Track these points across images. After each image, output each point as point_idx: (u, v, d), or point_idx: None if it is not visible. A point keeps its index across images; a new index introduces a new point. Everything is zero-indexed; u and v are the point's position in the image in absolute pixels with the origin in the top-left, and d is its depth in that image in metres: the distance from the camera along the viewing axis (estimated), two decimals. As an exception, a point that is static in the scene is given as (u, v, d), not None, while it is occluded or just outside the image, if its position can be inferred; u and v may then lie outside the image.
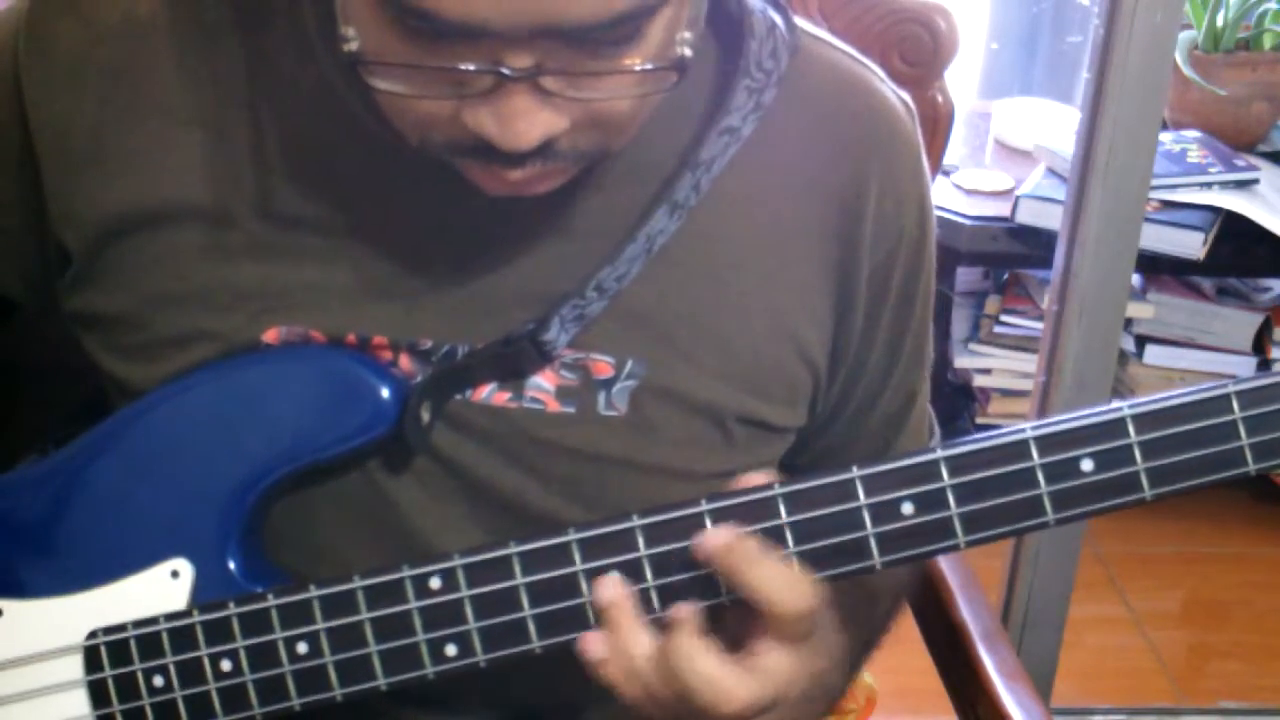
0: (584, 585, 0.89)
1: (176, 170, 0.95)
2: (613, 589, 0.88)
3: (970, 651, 1.29)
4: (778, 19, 0.98)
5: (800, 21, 1.01)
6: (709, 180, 0.96)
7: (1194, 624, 2.75)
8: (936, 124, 1.33)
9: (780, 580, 0.86)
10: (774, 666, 0.88)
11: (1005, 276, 2.91)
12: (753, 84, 0.96)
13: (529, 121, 0.80)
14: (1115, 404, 0.86)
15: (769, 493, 0.87)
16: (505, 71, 0.78)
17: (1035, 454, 0.86)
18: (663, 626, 0.88)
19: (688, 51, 0.83)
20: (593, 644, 0.88)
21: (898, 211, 1.02)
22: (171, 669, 0.94)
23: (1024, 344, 2.81)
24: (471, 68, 0.79)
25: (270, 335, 0.96)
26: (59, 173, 0.97)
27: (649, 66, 0.82)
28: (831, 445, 1.09)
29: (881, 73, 1.05)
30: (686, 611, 0.87)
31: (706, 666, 0.86)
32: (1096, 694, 2.51)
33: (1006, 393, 2.86)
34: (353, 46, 0.81)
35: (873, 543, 0.87)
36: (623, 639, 0.88)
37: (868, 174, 1.00)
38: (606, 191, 0.95)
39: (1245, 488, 2.95)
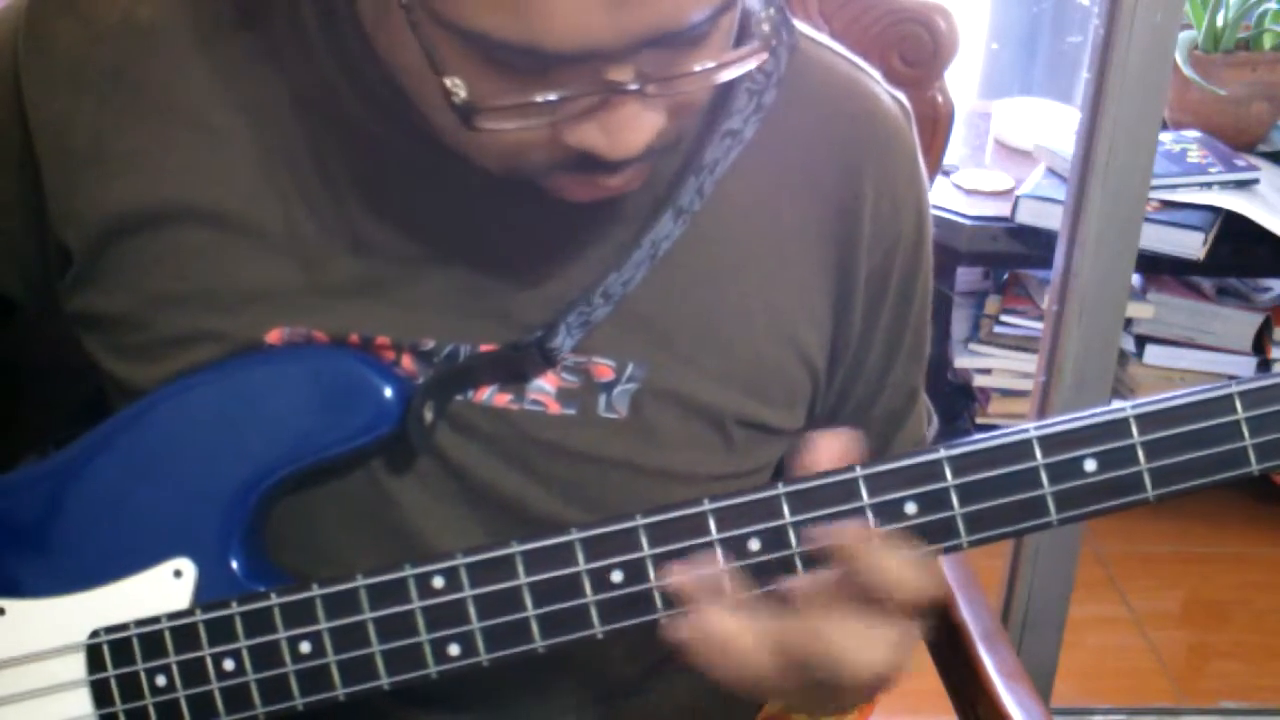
0: (587, 585, 0.89)
1: (177, 170, 0.95)
2: (684, 577, 0.86)
3: (970, 651, 1.29)
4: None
5: (797, 24, 1.02)
6: (712, 183, 0.96)
7: (1194, 624, 2.75)
8: (936, 124, 1.33)
9: (907, 574, 0.85)
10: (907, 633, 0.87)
11: (1005, 276, 2.91)
12: (753, 86, 0.96)
13: (636, 129, 0.81)
14: (1118, 404, 0.86)
15: (772, 492, 0.87)
16: (631, 87, 0.79)
17: (1038, 454, 0.86)
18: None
19: (767, 27, 0.84)
20: (677, 629, 0.85)
21: (895, 213, 1.02)
22: (174, 668, 0.94)
23: (1024, 344, 2.81)
24: (584, 91, 0.79)
25: (273, 336, 0.95)
26: (59, 172, 0.97)
27: (742, 52, 0.83)
28: None
29: (877, 75, 1.05)
30: (824, 578, 0.85)
31: (850, 624, 0.84)
32: (1096, 694, 2.51)
33: (1006, 393, 2.86)
34: (461, 96, 0.80)
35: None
36: (708, 619, 0.85)
37: (864, 176, 1.00)
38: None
39: (1245, 488, 2.94)
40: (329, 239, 0.95)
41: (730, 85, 0.96)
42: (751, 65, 0.84)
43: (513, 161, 0.86)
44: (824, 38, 1.06)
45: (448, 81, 0.80)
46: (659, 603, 0.89)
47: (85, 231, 0.97)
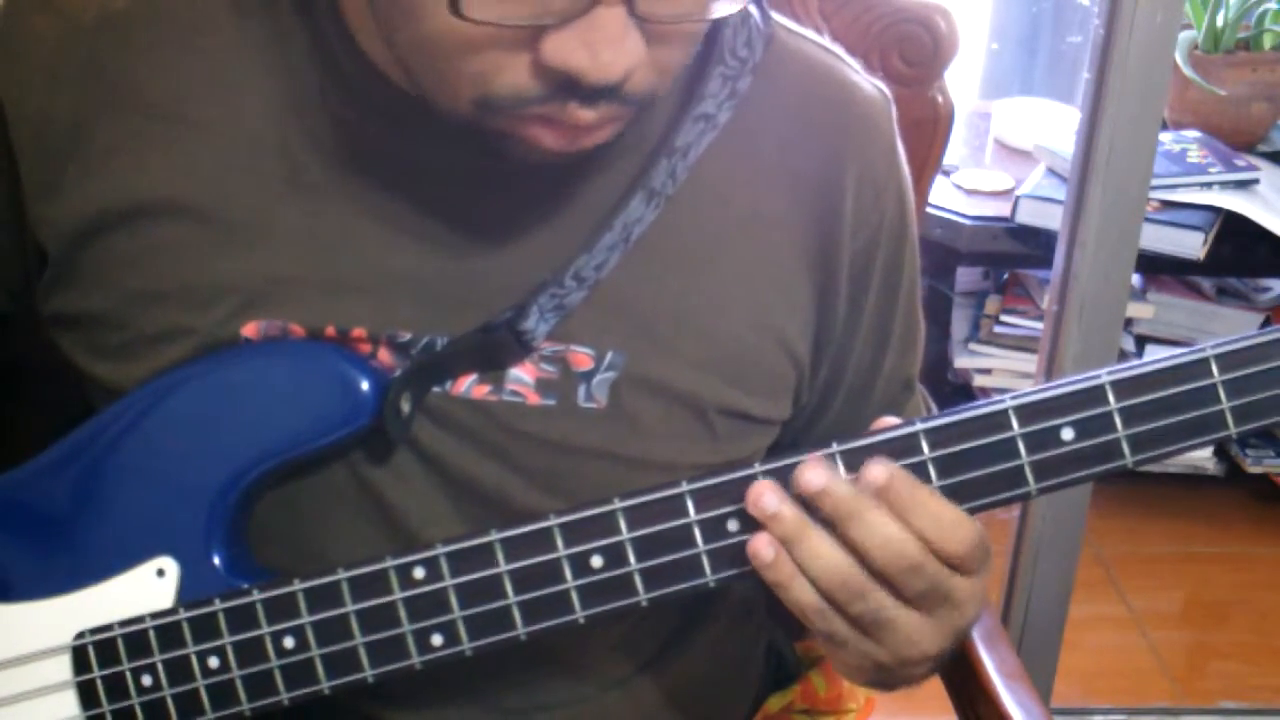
0: (567, 570, 0.89)
1: (154, 165, 0.95)
2: (774, 499, 0.85)
3: (970, 651, 1.28)
4: (752, 9, 0.98)
5: (776, 16, 1.01)
6: (685, 168, 0.96)
7: (1194, 624, 2.74)
8: (936, 124, 1.32)
9: (938, 524, 0.85)
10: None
11: (1005, 276, 2.91)
12: (727, 71, 0.96)
13: (618, 49, 0.79)
14: (1094, 371, 0.85)
15: (749, 471, 0.87)
16: None
17: (1015, 424, 0.86)
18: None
19: None
20: (763, 545, 0.85)
21: (876, 199, 1.02)
22: (160, 667, 0.94)
23: (1024, 344, 2.80)
24: None
25: (250, 329, 0.95)
26: (37, 171, 0.97)
27: None
28: (828, 436, 1.08)
29: (855, 63, 1.05)
30: (882, 464, 0.84)
31: (932, 501, 0.84)
32: (1096, 694, 2.51)
33: (1007, 393, 2.85)
34: None
35: None
36: (798, 537, 0.85)
37: (844, 164, 1.00)
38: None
39: (1245, 488, 2.96)
40: (305, 231, 0.95)
41: (704, 71, 0.96)
42: (735, 3, 0.82)
43: (485, 85, 0.82)
44: (802, 29, 1.06)
45: None
46: (640, 585, 0.89)
47: (62, 230, 0.97)
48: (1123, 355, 2.75)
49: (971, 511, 0.87)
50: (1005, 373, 2.86)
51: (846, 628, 0.87)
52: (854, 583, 0.85)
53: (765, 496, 0.85)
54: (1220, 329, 2.79)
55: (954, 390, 2.92)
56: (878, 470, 0.84)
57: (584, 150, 0.87)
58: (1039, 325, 2.56)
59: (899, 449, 0.86)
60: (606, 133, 0.86)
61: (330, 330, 0.95)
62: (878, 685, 0.95)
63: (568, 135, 0.85)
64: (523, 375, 0.96)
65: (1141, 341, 2.83)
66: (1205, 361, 0.85)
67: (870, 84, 1.04)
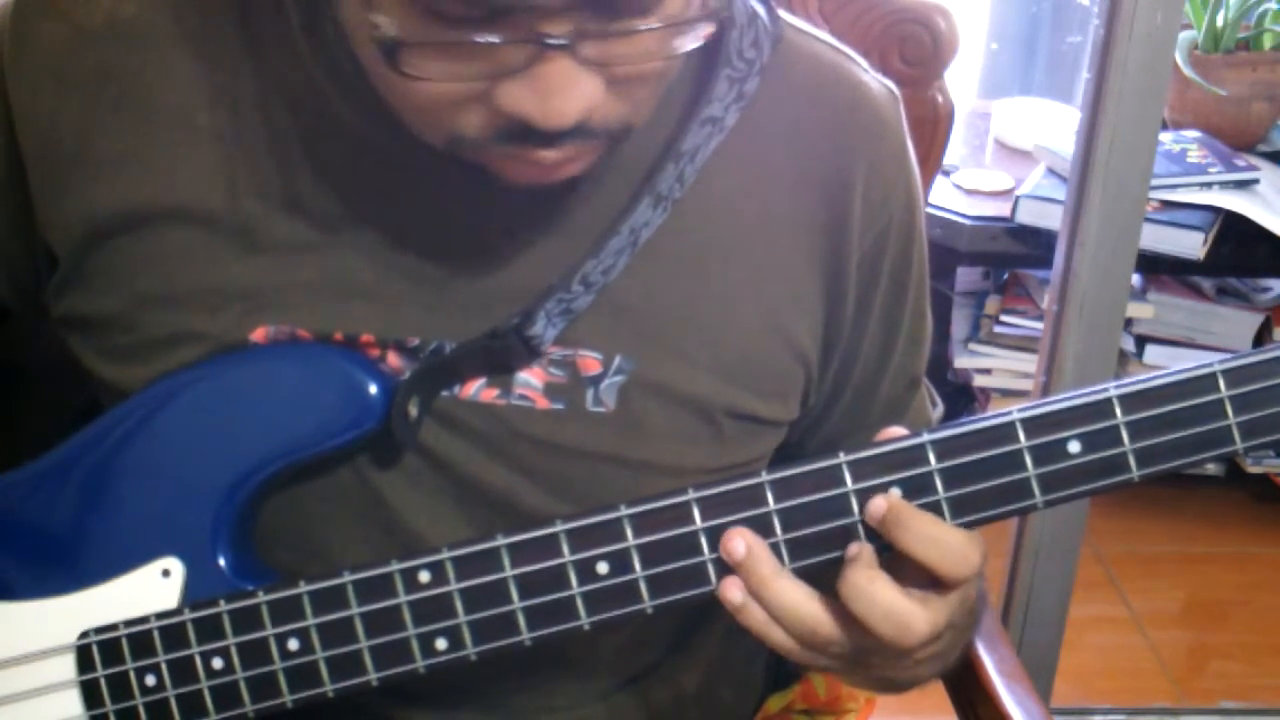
0: (572, 576, 0.89)
1: (163, 170, 0.95)
2: (743, 544, 0.86)
3: (970, 651, 1.28)
4: (759, 9, 0.97)
5: (785, 15, 1.01)
6: (693, 171, 0.95)
7: (1194, 624, 2.74)
8: (936, 124, 1.32)
9: (947, 550, 0.85)
10: (946, 598, 0.87)
11: (1005, 276, 2.91)
12: (734, 73, 0.96)
13: (568, 96, 0.79)
14: (1102, 385, 0.85)
15: (756, 480, 0.87)
16: (551, 41, 0.77)
17: (1022, 436, 0.85)
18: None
19: (714, 2, 0.81)
20: (731, 590, 0.87)
21: (885, 199, 1.01)
22: (163, 668, 0.94)
23: (1024, 344, 2.81)
24: (516, 38, 0.77)
25: (258, 334, 0.95)
26: (45, 175, 0.97)
27: (688, 16, 0.80)
28: (834, 434, 1.09)
29: (864, 63, 1.05)
30: (858, 548, 0.85)
31: (886, 598, 0.84)
32: (1096, 694, 2.51)
33: (1006, 393, 2.85)
34: (389, 32, 0.78)
35: (861, 528, 0.87)
36: (762, 586, 0.86)
37: (853, 164, 1.00)
38: (590, 186, 0.95)
39: (1245, 488, 2.96)
40: (313, 238, 0.95)
41: (710, 73, 0.95)
42: (695, 39, 0.82)
43: (450, 130, 0.84)
44: (811, 28, 1.05)
45: (374, 17, 0.78)
46: (645, 592, 0.89)
47: (71, 234, 0.97)
48: (1123, 355, 2.76)
49: (977, 524, 0.87)
50: (1005, 373, 2.86)
51: (832, 662, 0.89)
52: (824, 630, 0.86)
53: (733, 542, 0.86)
54: (1220, 329, 2.79)
55: (954, 390, 2.92)
56: (877, 502, 0.85)
57: (561, 179, 0.87)
58: (1039, 325, 2.56)
59: (906, 460, 0.86)
60: (581, 164, 0.87)
61: (338, 335, 0.95)
62: (882, 692, 0.96)
63: (537, 171, 0.86)
64: (531, 379, 0.96)
65: (1141, 341, 2.82)
66: (1213, 376, 0.84)
67: (880, 83, 1.03)
